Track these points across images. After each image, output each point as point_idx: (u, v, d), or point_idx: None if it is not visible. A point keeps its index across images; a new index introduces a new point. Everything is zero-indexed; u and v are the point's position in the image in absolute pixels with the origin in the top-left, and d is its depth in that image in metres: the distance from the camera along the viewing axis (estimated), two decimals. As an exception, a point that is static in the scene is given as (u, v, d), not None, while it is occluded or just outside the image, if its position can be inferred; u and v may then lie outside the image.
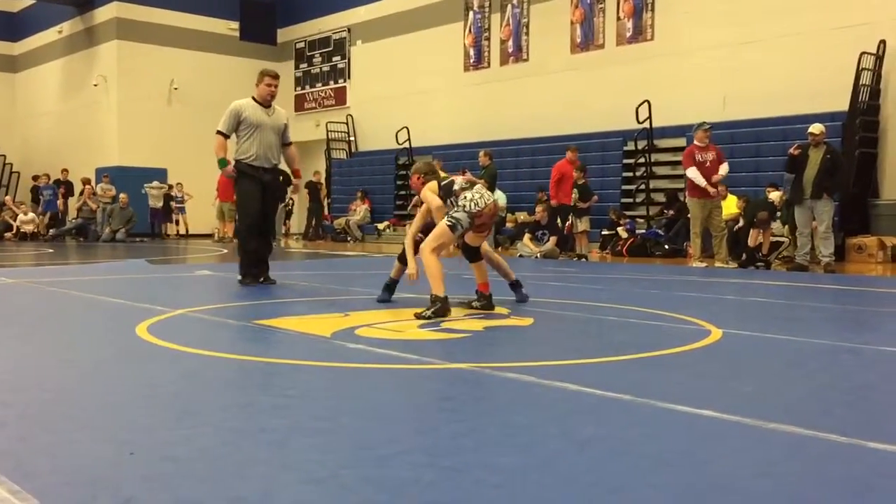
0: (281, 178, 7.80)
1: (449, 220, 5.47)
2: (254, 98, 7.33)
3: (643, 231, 14.14)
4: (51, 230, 20.27)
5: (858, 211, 12.54)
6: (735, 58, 14.32)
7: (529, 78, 17.82)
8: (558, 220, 13.23)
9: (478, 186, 5.68)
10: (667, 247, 13.39)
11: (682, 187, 11.85)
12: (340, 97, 23.16)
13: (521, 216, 15.66)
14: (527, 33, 18.13)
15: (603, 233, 14.54)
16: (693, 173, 10.71)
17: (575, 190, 12.81)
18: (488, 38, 18.92)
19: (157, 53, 22.99)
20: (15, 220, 20.31)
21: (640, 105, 14.83)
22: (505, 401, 3.06)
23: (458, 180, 5.72)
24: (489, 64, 18.93)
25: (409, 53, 20.61)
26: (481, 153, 14.51)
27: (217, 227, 19.37)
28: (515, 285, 6.13)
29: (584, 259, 12.58)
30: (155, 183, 21.35)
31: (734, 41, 14.36)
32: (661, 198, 14.80)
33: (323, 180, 20.75)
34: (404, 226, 17.55)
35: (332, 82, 23.53)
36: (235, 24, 24.63)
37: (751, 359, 4.12)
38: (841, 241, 11.86)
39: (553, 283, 5.66)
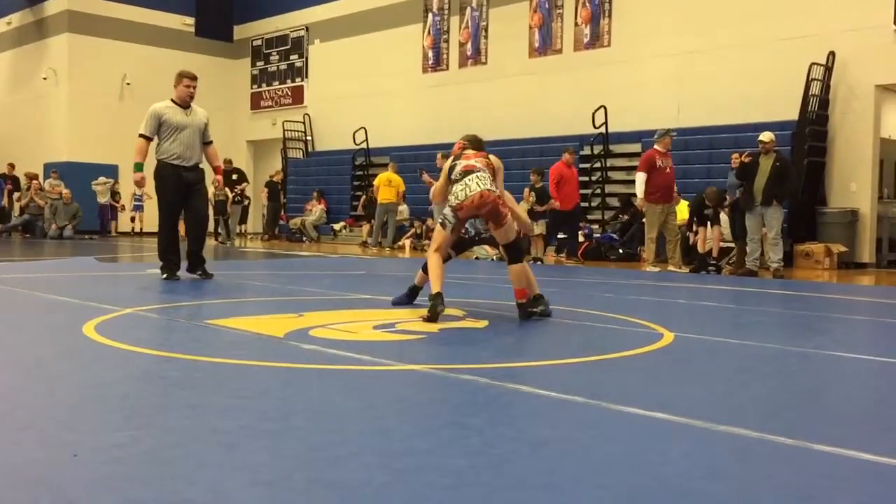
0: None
1: (440, 218, 5.39)
2: (172, 100, 7.64)
3: (598, 235, 14.28)
4: (-4, 226, 19.78)
5: (806, 218, 12.82)
6: (689, 66, 14.54)
7: (487, 81, 17.89)
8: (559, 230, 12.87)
9: (470, 177, 5.23)
10: (621, 251, 13.54)
11: (635, 192, 11.98)
12: (297, 96, 22.99)
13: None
14: (485, 36, 18.20)
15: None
16: (640, 179, 10.82)
17: (532, 193, 12.85)
18: (447, 41, 18.95)
19: (110, 48, 22.57)
20: (-42, 216, 19.77)
21: (596, 110, 14.98)
22: (459, 402, 3.05)
23: (458, 168, 5.30)
24: (447, 66, 18.95)
25: (367, 54, 20.55)
26: (439, 155, 14.42)
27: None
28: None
29: (539, 262, 12.65)
30: (101, 179, 20.95)
31: (688, 49, 14.58)
32: (616, 202, 14.96)
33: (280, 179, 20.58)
34: (360, 226, 17.49)
35: (289, 81, 23.34)
36: (191, 20, 24.30)
37: (702, 362, 4.17)
38: (789, 247, 12.12)
39: (508, 286, 5.67)
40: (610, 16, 15.93)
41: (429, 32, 19.30)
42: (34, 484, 2.03)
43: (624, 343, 4.48)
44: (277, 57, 23.65)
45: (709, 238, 11.66)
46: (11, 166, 21.69)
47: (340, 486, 2.05)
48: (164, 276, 7.64)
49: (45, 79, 22.58)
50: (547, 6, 16.99)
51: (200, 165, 7.81)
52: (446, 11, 18.92)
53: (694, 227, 11.98)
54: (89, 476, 2.10)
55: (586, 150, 15.49)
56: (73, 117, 22.27)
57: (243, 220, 20.08)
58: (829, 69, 12.95)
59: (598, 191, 15.38)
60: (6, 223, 19.96)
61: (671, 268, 11.02)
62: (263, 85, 24.11)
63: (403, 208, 17.32)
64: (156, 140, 7.58)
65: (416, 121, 19.16)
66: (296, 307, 5.76)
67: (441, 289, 5.12)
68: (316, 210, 19.64)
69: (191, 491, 2.00)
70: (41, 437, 2.45)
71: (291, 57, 23.20)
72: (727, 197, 11.57)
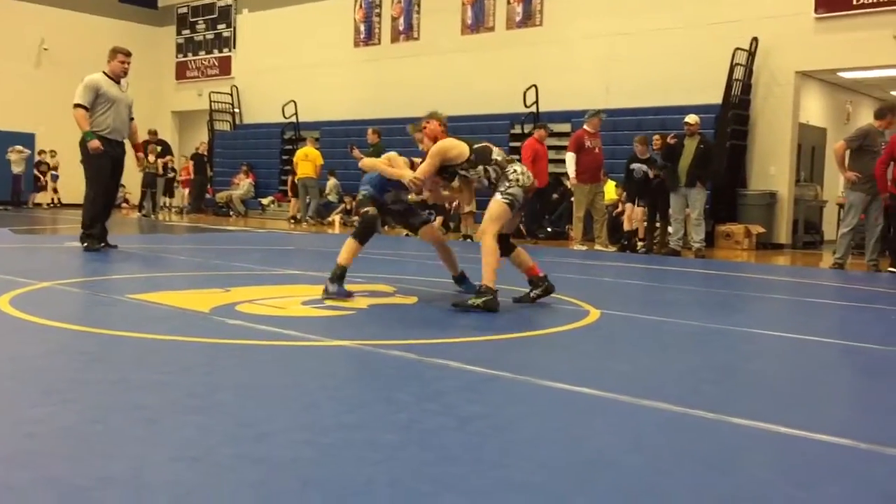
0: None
1: (506, 198, 4.82)
2: (105, 73, 7.63)
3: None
4: None
5: (727, 200, 13.18)
6: (618, 47, 14.72)
7: (419, 57, 17.77)
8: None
9: (514, 162, 5.09)
10: (549, 229, 13.69)
11: (565, 171, 12.10)
12: (225, 67, 22.44)
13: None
14: (418, 12, 18.05)
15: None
16: (570, 159, 10.95)
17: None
18: (379, 15, 18.73)
19: (26, 10, 21.57)
20: None
21: (527, 89, 15.05)
22: (388, 378, 3.05)
23: (497, 151, 5.11)
24: (380, 41, 18.76)
25: (297, 25, 20.16)
26: (370, 130, 14.39)
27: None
28: (461, 279, 5.50)
29: (469, 239, 12.71)
30: (17, 147, 20.11)
31: (616, 31, 14.75)
32: (545, 181, 15.08)
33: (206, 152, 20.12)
34: (289, 201, 17.23)
35: (216, 51, 22.76)
36: (114, -16, 23.41)
37: (627, 339, 4.27)
38: (711, 227, 12.45)
39: (438, 263, 5.67)
40: (542, -5, 15.98)
41: (360, 6, 19.05)
42: (-56, 462, 1.95)
43: (551, 320, 4.54)
44: (204, 26, 23.01)
45: (633, 217, 11.87)
46: (-82, 133, 20.65)
47: (268, 462, 2.02)
48: (86, 246, 7.59)
49: (-45, 41, 21.50)
50: (480, -17, 16.93)
51: (124, 141, 7.87)
52: (379, -15, 18.69)
53: (620, 207, 12.19)
54: (4, 452, 2.03)
55: (517, 129, 15.56)
56: (-14, 82, 21.26)
57: (169, 193, 19.58)
58: (752, 55, 13.28)
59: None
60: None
61: (598, 247, 11.21)
62: (189, 54, 23.44)
63: (333, 183, 17.14)
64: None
65: (348, 95, 18.93)
66: (222, 282, 5.66)
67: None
68: (244, 184, 19.27)
69: (111, 467, 1.95)
70: (-49, 413, 2.36)
71: (219, 26, 22.60)
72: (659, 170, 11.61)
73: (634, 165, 11.21)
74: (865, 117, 13.68)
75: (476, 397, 2.80)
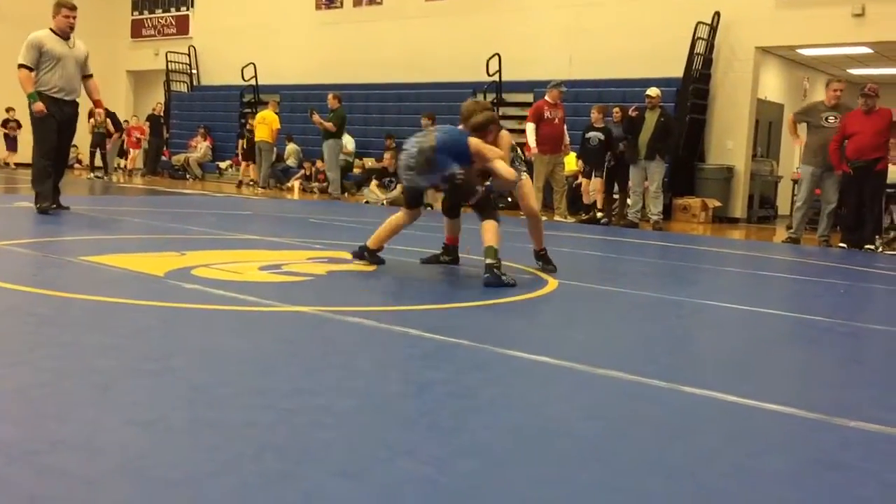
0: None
1: (523, 173, 5.73)
2: (51, 30, 7.31)
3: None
4: None
5: (685, 173, 13.31)
6: (582, 18, 14.69)
7: (383, 22, 17.54)
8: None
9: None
10: (509, 199, 13.71)
11: (525, 142, 12.10)
12: (182, 26, 21.93)
13: (369, 162, 15.54)
14: (381, -24, 17.79)
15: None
16: (530, 129, 10.94)
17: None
18: (342, -23, 18.43)
19: (-25, -38, 20.82)
20: None
21: (490, 58, 14.97)
22: (346, 345, 3.04)
23: (504, 132, 5.72)
24: (342, 4, 18.46)
25: (258, -14, 19.75)
26: (330, 95, 14.21)
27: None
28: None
29: (429, 208, 12.67)
30: None
31: (581, 2, 14.71)
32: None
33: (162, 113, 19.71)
34: (248, 165, 16.96)
35: (173, 9, 22.21)
36: (66, -63, 22.66)
37: (584, 308, 4.31)
38: (668, 200, 12.58)
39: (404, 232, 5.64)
40: (507, -38, 15.86)
41: (323, -32, 18.72)
42: None
43: (510, 290, 4.56)
44: (161, -18, 22.45)
45: (591, 189, 11.94)
46: None
47: (222, 426, 2.01)
48: (38, 206, 7.36)
49: None
50: (445, -52, 16.72)
51: (78, 100, 7.58)
52: (342, -53, 18.36)
53: (580, 178, 12.25)
54: (-50, 416, 1.99)
55: (479, 98, 15.50)
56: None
57: (122, 154, 19.18)
58: (713, 29, 13.35)
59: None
60: None
61: (557, 217, 11.26)
62: (145, 12, 22.86)
63: (292, 148, 16.93)
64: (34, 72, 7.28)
65: (309, 59, 18.65)
66: (177, 246, 5.58)
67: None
68: (201, 147, 18.94)
69: (63, 430, 1.92)
70: None
71: (177, -16, 22.07)
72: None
73: (590, 133, 11.29)
74: (822, 94, 13.87)
75: (434, 364, 2.81)
